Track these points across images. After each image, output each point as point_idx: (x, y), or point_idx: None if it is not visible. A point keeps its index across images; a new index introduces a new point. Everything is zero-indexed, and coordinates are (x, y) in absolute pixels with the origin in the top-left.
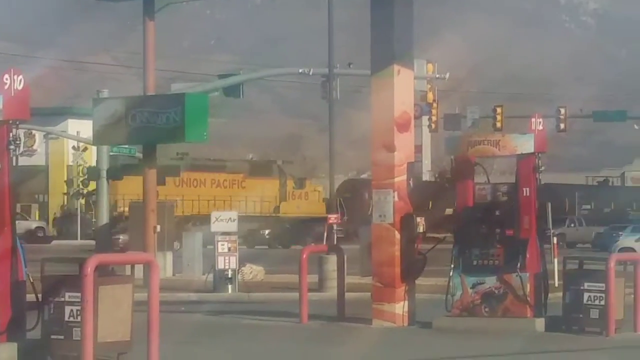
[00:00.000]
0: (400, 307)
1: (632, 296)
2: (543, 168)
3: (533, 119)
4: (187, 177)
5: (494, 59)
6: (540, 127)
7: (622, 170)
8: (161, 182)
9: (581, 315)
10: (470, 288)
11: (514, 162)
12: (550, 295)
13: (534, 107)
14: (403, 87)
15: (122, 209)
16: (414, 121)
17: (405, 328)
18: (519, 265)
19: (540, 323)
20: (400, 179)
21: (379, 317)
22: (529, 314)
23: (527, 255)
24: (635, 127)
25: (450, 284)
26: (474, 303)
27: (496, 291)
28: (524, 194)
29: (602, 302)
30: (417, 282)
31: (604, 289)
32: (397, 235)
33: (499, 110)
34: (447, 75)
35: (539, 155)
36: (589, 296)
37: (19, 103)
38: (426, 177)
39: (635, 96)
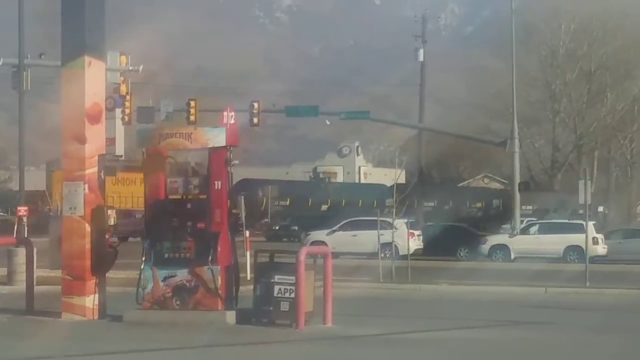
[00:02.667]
0: (91, 300)
1: (322, 289)
2: (236, 162)
3: (225, 113)
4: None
5: (189, 52)
6: (232, 121)
7: (314, 165)
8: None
9: (271, 308)
10: (162, 281)
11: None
12: (242, 288)
13: (228, 102)
14: (94, 78)
15: None
16: (106, 113)
17: (95, 321)
18: (210, 258)
19: (231, 316)
20: (91, 171)
21: (69, 310)
22: (220, 306)
23: (219, 249)
24: (327, 122)
25: (142, 276)
26: (165, 296)
27: (187, 284)
28: (216, 187)
29: (292, 295)
30: (108, 275)
31: (294, 281)
32: (88, 227)
33: (192, 103)
34: (141, 68)
35: (231, 148)
36: (279, 289)
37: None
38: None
39: (327, 92)
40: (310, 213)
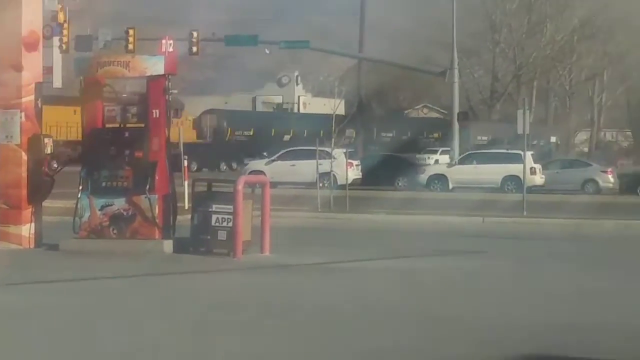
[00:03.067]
0: (27, 229)
1: (260, 218)
2: (175, 91)
3: (163, 41)
4: None
5: None
6: (171, 49)
7: (253, 95)
8: None
9: (209, 237)
10: (99, 210)
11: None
12: (180, 217)
13: (167, 31)
14: (31, 5)
15: None
16: (43, 41)
17: (31, 250)
18: (147, 187)
19: (168, 245)
20: (28, 99)
21: (5, 239)
22: (158, 235)
23: (156, 177)
24: (266, 51)
25: (78, 205)
26: (102, 225)
27: (125, 213)
28: (154, 116)
29: (230, 224)
30: (45, 204)
31: (231, 211)
32: (24, 156)
33: (131, 32)
34: None
35: (169, 77)
36: (217, 218)
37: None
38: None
39: (267, 22)
40: (274, 143)
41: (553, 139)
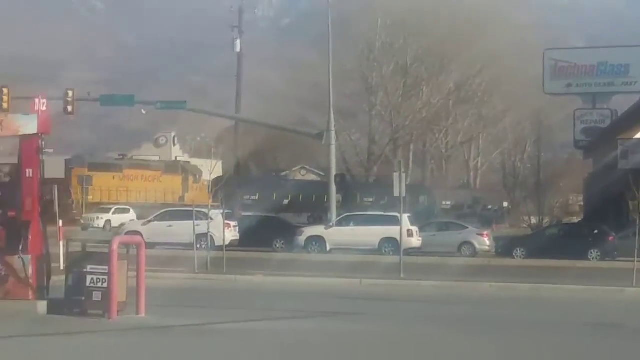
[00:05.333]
0: None
1: (136, 279)
2: (50, 150)
3: (37, 100)
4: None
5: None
6: (44, 108)
7: (130, 155)
8: None
9: (84, 298)
10: None
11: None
12: (55, 278)
13: (42, 90)
14: None
15: None
16: None
17: None
18: (21, 247)
19: (42, 305)
20: None
21: None
22: (31, 296)
23: (30, 237)
24: (143, 111)
25: None
26: None
27: None
28: (27, 175)
29: (105, 285)
30: None
31: (106, 271)
32: None
33: (5, 91)
34: None
35: (43, 136)
36: (92, 279)
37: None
38: None
39: (142, 81)
40: None
41: (505, 204)
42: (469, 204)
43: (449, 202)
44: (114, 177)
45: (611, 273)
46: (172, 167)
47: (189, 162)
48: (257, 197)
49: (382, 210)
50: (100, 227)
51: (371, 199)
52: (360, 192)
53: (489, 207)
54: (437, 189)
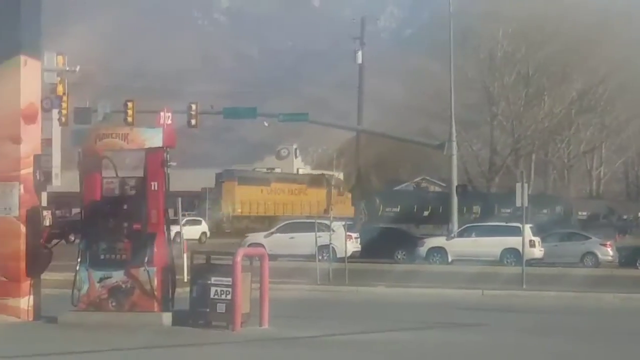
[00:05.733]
0: (25, 302)
1: (259, 291)
2: (174, 163)
3: (162, 113)
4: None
5: (127, 52)
6: (169, 122)
7: (253, 167)
8: None
9: (208, 310)
10: (97, 282)
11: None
12: (179, 290)
13: (165, 103)
14: (30, 78)
15: None
16: (42, 114)
17: (30, 323)
18: (146, 259)
19: (167, 317)
20: (27, 171)
21: (3, 311)
22: (157, 308)
23: (155, 250)
24: (265, 124)
25: (77, 278)
26: (101, 297)
27: (123, 285)
28: (152, 188)
29: (229, 297)
30: (43, 276)
31: (230, 283)
32: (23, 228)
33: (130, 104)
34: (78, 68)
35: (168, 149)
36: (216, 290)
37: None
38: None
39: (266, 94)
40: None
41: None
42: (604, 213)
43: (584, 213)
44: (262, 191)
45: None
46: (317, 180)
47: (333, 175)
48: (398, 209)
49: (506, 221)
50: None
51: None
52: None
53: (624, 216)
54: (574, 199)
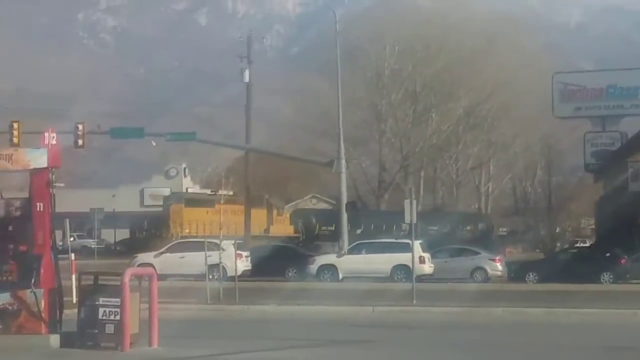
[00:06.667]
0: None
1: (148, 311)
2: (61, 184)
3: (46, 134)
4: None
5: (10, 73)
6: (54, 142)
7: (141, 187)
8: None
9: (96, 331)
10: None
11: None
12: (67, 311)
13: (52, 124)
14: None
15: None
16: None
17: None
18: (33, 281)
19: (55, 339)
20: None
21: None
22: (44, 330)
23: (42, 271)
24: (153, 143)
25: None
26: None
27: (10, 307)
28: (38, 209)
29: (117, 317)
30: None
31: (119, 303)
32: None
33: (15, 125)
34: None
35: (53, 170)
36: (104, 311)
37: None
38: None
39: (152, 113)
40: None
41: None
42: (524, 230)
43: (505, 229)
44: (207, 212)
45: (624, 296)
46: (258, 201)
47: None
48: (333, 228)
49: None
50: None
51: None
52: (373, 220)
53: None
54: (495, 216)
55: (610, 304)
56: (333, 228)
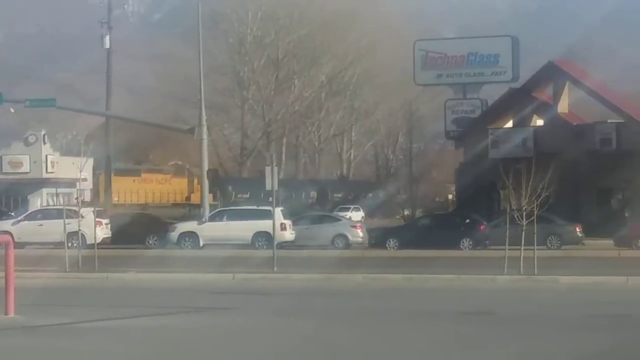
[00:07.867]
0: None
1: (4, 279)
2: None
3: None
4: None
5: None
6: None
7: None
8: None
9: None
10: None
11: None
12: None
13: None
14: None
15: None
16: None
17: None
18: None
19: None
20: None
21: None
22: None
23: None
24: (12, 110)
25: None
26: None
27: None
28: None
29: None
30: None
31: None
32: None
33: None
34: None
35: None
36: None
37: None
38: None
39: (12, 79)
40: None
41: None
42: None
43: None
44: (134, 181)
45: (483, 262)
46: (180, 171)
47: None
48: (248, 196)
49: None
50: None
51: (247, 195)
52: (234, 187)
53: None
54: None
55: (469, 270)
56: (248, 196)
